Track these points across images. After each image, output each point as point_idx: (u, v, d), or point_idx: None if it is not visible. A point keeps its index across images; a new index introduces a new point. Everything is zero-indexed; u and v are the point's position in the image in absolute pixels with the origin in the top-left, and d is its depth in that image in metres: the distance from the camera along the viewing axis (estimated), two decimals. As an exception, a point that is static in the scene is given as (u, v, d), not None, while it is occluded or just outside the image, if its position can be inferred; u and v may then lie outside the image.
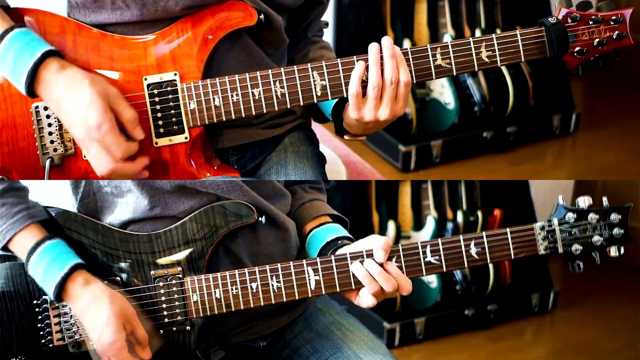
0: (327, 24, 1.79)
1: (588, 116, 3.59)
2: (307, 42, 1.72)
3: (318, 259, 1.45)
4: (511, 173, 3.28)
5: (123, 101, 1.42)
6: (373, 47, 1.47)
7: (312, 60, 1.65)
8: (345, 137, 1.61)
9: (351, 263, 1.44)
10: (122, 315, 1.38)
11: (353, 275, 1.44)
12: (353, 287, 1.45)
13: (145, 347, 1.41)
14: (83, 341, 1.43)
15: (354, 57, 1.49)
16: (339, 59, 1.49)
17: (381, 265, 1.43)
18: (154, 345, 1.43)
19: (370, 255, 1.44)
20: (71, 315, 1.43)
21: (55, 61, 1.41)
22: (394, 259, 1.44)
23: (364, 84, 1.48)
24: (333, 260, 1.44)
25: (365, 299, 1.44)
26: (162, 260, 1.45)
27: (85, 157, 1.48)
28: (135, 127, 1.43)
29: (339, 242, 1.53)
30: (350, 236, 1.55)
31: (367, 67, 1.47)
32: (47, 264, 1.39)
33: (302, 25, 1.68)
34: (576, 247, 1.45)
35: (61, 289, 1.38)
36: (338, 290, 1.45)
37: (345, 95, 1.50)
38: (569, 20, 1.51)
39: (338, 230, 1.57)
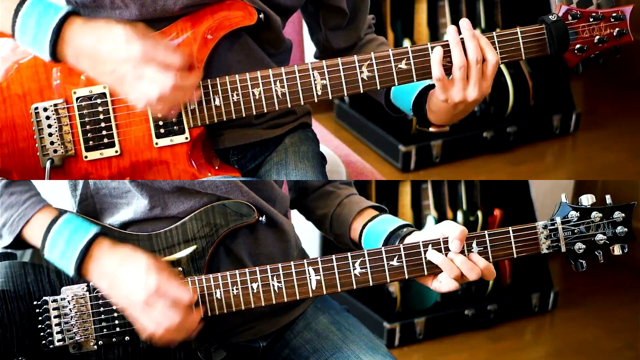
0: (374, 18, 1.78)
1: (588, 116, 3.59)
2: (364, 42, 1.72)
3: (319, 258, 1.44)
4: (511, 173, 3.28)
5: (153, 35, 1.42)
6: (451, 29, 1.47)
7: None
8: (431, 129, 1.60)
9: (427, 250, 1.44)
10: (155, 260, 1.39)
11: (429, 261, 1.43)
12: (354, 286, 1.44)
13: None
14: (84, 342, 1.43)
15: (355, 57, 1.48)
16: (339, 59, 1.48)
17: (462, 254, 1.43)
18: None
19: (446, 242, 1.44)
20: (71, 316, 1.43)
21: (76, 17, 1.39)
22: (395, 259, 1.44)
23: (446, 66, 1.47)
24: (334, 260, 1.44)
25: (446, 283, 1.44)
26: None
27: (86, 158, 1.48)
28: (179, 54, 1.41)
29: (404, 229, 1.52)
30: (410, 223, 1.55)
31: (445, 52, 1.46)
32: (69, 235, 1.39)
33: (340, 31, 1.68)
34: (579, 246, 1.44)
35: (86, 254, 1.38)
36: (339, 290, 1.45)
37: (346, 95, 1.50)
38: (570, 18, 1.51)
39: (394, 220, 1.56)
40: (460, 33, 1.47)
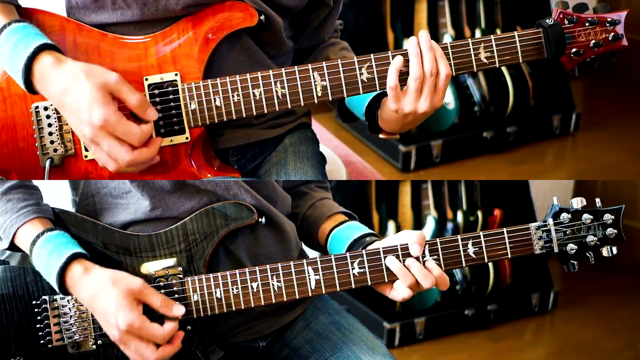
0: (342, 24, 1.79)
1: (588, 116, 3.59)
2: (326, 45, 1.72)
3: (318, 258, 1.45)
4: (511, 173, 3.28)
5: (125, 86, 1.39)
6: (412, 40, 1.48)
7: None
8: (381, 135, 1.61)
9: (385, 257, 1.44)
10: (130, 293, 1.37)
11: (387, 268, 1.45)
12: (353, 285, 1.45)
13: (171, 306, 1.40)
14: (82, 341, 1.43)
15: (355, 57, 1.49)
16: (339, 60, 1.49)
17: (418, 260, 1.44)
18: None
19: (404, 249, 1.45)
20: (70, 316, 1.43)
21: (48, 54, 1.38)
22: (395, 257, 1.45)
23: (402, 77, 1.48)
24: (333, 260, 1.45)
25: (400, 291, 1.44)
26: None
27: (86, 157, 1.48)
28: (146, 110, 1.41)
29: (367, 238, 1.53)
30: (374, 232, 1.56)
31: (406, 61, 1.48)
32: (48, 255, 1.39)
33: (310, 28, 1.68)
34: (571, 247, 1.47)
35: (62, 280, 1.38)
36: (338, 289, 1.45)
37: (345, 96, 1.50)
38: (566, 22, 1.53)
39: (360, 228, 1.57)
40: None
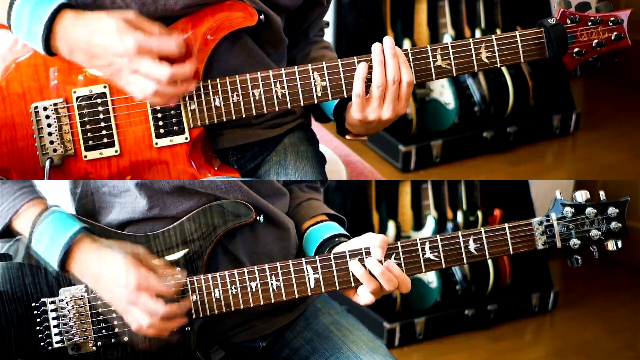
0: (328, 24, 1.79)
1: (588, 116, 3.59)
2: (308, 42, 1.72)
3: (317, 257, 1.44)
4: (511, 173, 3.28)
5: (143, 19, 1.40)
6: (376, 47, 1.48)
7: (314, 60, 1.66)
8: (347, 137, 1.61)
9: (350, 261, 1.44)
10: (135, 256, 1.40)
11: (352, 273, 1.44)
12: (352, 284, 1.45)
13: (172, 270, 1.42)
14: (82, 343, 1.43)
15: (355, 58, 1.49)
16: (339, 60, 1.49)
17: (381, 263, 1.43)
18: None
19: (369, 253, 1.44)
20: (70, 317, 1.43)
21: (67, 11, 1.39)
22: (392, 256, 1.45)
23: (367, 83, 1.48)
24: (332, 259, 1.44)
25: (363, 297, 1.44)
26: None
27: (86, 157, 1.48)
28: (174, 41, 1.41)
29: (336, 239, 1.53)
30: (347, 234, 1.56)
31: (370, 67, 1.47)
32: (53, 232, 1.39)
33: (302, 26, 1.68)
34: (574, 242, 1.45)
35: (67, 253, 1.39)
36: (337, 288, 1.45)
37: (345, 96, 1.50)
38: (568, 22, 1.52)
39: (335, 228, 1.57)
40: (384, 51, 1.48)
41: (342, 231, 1.57)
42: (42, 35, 1.39)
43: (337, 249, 1.48)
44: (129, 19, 1.38)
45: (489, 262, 3.04)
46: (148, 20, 1.41)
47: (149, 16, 1.47)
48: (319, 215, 1.62)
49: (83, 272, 1.41)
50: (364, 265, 1.44)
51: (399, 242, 1.45)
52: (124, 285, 1.37)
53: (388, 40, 1.48)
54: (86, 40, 1.38)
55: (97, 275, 1.40)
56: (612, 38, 1.53)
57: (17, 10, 1.40)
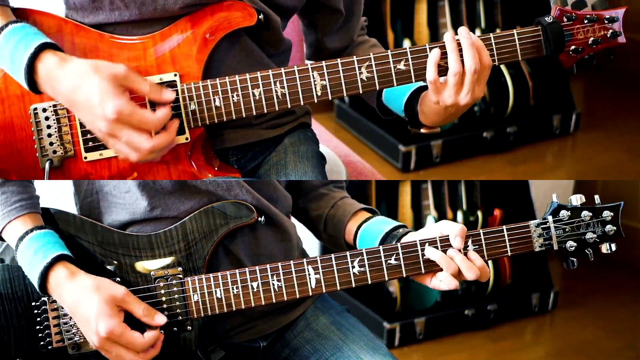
0: (366, 21, 1.79)
1: (588, 116, 3.59)
2: (355, 45, 1.73)
3: (318, 257, 1.44)
4: (511, 173, 3.28)
5: (134, 76, 1.37)
6: (448, 35, 1.47)
7: None
8: (422, 130, 1.61)
9: (422, 249, 1.44)
10: (112, 300, 1.36)
11: (426, 260, 1.44)
12: (354, 284, 1.45)
13: (153, 315, 1.39)
14: (83, 342, 1.43)
15: (354, 57, 1.49)
16: (338, 59, 1.49)
17: (459, 251, 1.44)
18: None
19: (443, 241, 1.44)
20: (70, 317, 1.43)
21: (52, 54, 1.37)
22: (393, 257, 1.44)
23: (442, 68, 1.48)
24: (333, 259, 1.44)
25: (446, 281, 1.43)
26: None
27: (86, 158, 1.48)
28: (161, 93, 1.39)
29: (400, 230, 1.52)
30: (405, 225, 1.55)
31: (442, 54, 1.47)
32: (34, 253, 1.38)
33: (331, 32, 1.69)
34: (570, 244, 1.47)
35: (44, 280, 1.38)
36: (338, 288, 1.45)
37: (344, 95, 1.50)
38: (565, 19, 1.53)
39: (389, 221, 1.57)
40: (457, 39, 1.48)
41: (398, 222, 1.56)
42: (26, 80, 1.37)
43: (406, 239, 1.48)
44: (116, 75, 1.34)
45: (489, 262, 3.04)
46: (138, 76, 1.37)
47: (149, 16, 1.47)
48: (359, 211, 1.62)
49: (60, 300, 1.40)
50: (443, 251, 1.43)
51: (398, 244, 1.45)
52: (94, 332, 1.35)
53: (464, 30, 1.47)
54: (68, 93, 1.36)
55: (71, 310, 1.38)
56: (608, 36, 1.53)
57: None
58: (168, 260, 1.46)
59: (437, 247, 1.44)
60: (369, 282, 1.45)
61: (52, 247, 1.39)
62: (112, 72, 1.35)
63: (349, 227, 1.60)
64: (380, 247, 1.45)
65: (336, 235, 1.63)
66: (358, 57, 1.49)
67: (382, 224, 1.56)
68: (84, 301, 1.36)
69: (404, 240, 1.48)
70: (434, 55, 1.47)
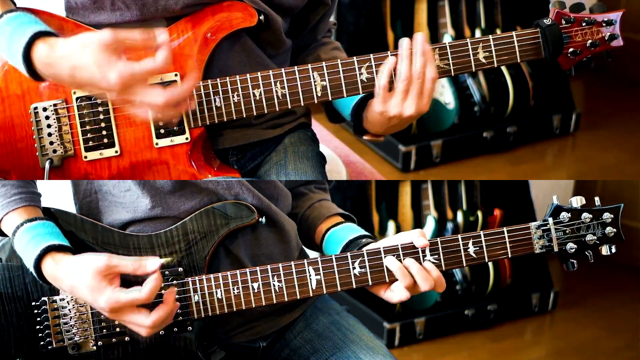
0: (335, 24, 1.79)
1: (588, 116, 3.59)
2: (317, 45, 1.72)
3: (319, 258, 1.45)
4: (511, 173, 3.28)
5: (121, 35, 1.33)
6: (404, 42, 1.47)
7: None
8: (365, 137, 1.61)
9: (385, 257, 1.44)
10: (97, 274, 1.34)
11: (387, 268, 1.44)
12: (354, 285, 1.45)
13: (144, 263, 1.37)
14: (83, 342, 1.43)
15: (354, 57, 1.49)
16: (339, 60, 1.49)
17: (418, 260, 1.44)
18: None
19: (405, 249, 1.44)
20: (70, 317, 1.43)
21: (42, 42, 1.36)
22: (395, 257, 1.45)
23: (392, 78, 1.48)
24: (334, 260, 1.45)
25: (398, 293, 1.44)
26: (162, 261, 1.45)
27: (86, 158, 1.48)
28: (156, 40, 1.35)
29: (363, 240, 1.53)
30: (370, 234, 1.56)
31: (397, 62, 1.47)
32: (26, 244, 1.39)
33: (308, 28, 1.68)
34: (571, 246, 1.47)
35: (40, 272, 1.38)
36: (339, 289, 1.45)
37: (345, 96, 1.50)
38: (563, 22, 1.54)
39: (357, 229, 1.57)
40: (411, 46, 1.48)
41: (364, 232, 1.56)
42: (25, 68, 1.37)
43: (369, 247, 1.48)
44: (104, 42, 1.33)
45: (489, 262, 3.04)
46: (123, 30, 1.35)
47: (150, 17, 1.47)
48: (333, 216, 1.62)
49: (57, 285, 1.40)
50: (400, 261, 1.44)
51: (399, 244, 1.45)
52: (103, 310, 1.36)
53: (420, 36, 1.48)
54: (69, 76, 1.35)
55: (70, 291, 1.38)
56: (606, 38, 1.55)
57: None
58: (168, 260, 1.46)
59: (397, 257, 1.44)
60: (370, 283, 1.45)
61: (42, 239, 1.39)
62: (100, 42, 1.33)
63: (319, 229, 1.61)
64: (382, 248, 1.45)
65: (308, 236, 1.64)
66: (358, 57, 1.49)
67: (349, 231, 1.56)
68: (77, 286, 1.36)
69: (368, 247, 1.48)
70: (389, 63, 1.47)
